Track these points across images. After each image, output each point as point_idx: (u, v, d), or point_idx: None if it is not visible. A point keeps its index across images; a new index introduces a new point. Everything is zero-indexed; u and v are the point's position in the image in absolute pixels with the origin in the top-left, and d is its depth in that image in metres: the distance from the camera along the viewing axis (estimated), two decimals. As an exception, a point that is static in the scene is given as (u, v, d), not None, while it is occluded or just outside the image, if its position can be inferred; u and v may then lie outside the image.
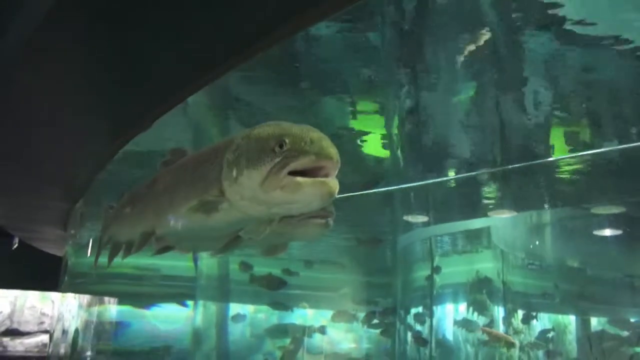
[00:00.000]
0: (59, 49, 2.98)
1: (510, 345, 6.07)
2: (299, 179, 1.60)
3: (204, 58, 2.96)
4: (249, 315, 7.34)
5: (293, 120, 1.78)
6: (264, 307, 7.38)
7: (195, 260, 6.32)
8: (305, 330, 6.94)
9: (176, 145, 2.93)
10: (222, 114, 4.56)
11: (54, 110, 3.77)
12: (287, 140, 1.62)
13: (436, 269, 7.19)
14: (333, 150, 1.61)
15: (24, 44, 2.98)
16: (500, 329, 6.67)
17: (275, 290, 6.48)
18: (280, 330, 7.12)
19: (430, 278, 7.20)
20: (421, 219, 6.87)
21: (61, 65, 3.18)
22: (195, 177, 2.01)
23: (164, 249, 2.36)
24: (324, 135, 1.66)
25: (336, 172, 1.64)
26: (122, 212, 2.89)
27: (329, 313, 7.04)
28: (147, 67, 3.13)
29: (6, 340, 11.37)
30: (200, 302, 6.84)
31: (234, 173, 1.74)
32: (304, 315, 7.32)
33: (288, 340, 6.90)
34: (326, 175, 1.61)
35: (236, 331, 7.12)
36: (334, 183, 1.61)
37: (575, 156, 5.01)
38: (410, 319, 7.43)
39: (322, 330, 6.92)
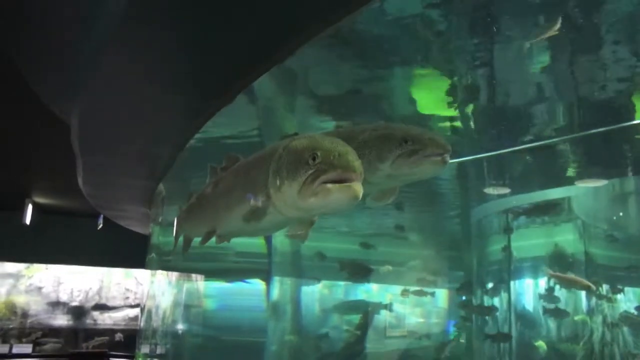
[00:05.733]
0: (143, 31, 3.07)
1: (587, 288, 5.76)
2: (329, 185, 1.82)
3: (281, 32, 2.98)
4: (317, 290, 7.44)
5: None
6: (330, 283, 7.44)
7: (268, 239, 6.44)
8: (373, 307, 6.92)
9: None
10: (290, 97, 4.62)
11: (138, 90, 3.89)
12: (318, 154, 1.85)
13: (508, 230, 6.93)
14: (357, 164, 1.85)
15: (112, 29, 3.08)
16: (584, 303, 6.40)
17: (360, 279, 6.47)
18: (348, 307, 7.14)
19: (507, 251, 6.99)
20: (501, 190, 6.65)
21: (146, 46, 3.27)
22: (246, 184, 2.25)
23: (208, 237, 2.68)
24: (350, 148, 1.90)
25: (360, 180, 1.86)
26: (190, 212, 3.26)
27: (397, 288, 7.00)
28: (228, 43, 3.18)
29: (96, 314, 12.16)
30: (276, 278, 6.97)
31: (278, 182, 1.98)
32: (369, 291, 7.31)
33: (355, 316, 6.91)
34: (351, 182, 1.83)
35: (306, 306, 7.22)
36: (358, 187, 1.83)
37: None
38: (486, 294, 7.25)
39: (389, 307, 6.88)
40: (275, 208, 2.05)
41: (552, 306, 6.49)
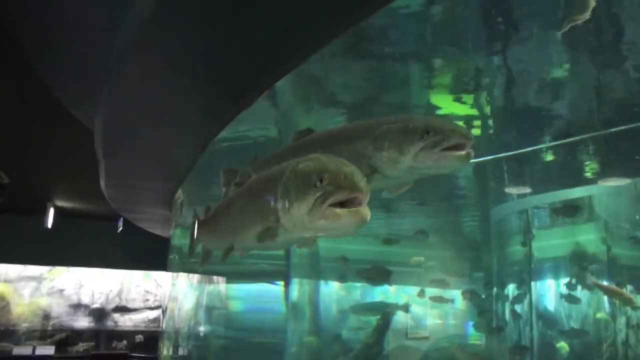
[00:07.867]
0: (166, 36, 3.11)
1: (629, 301, 5.67)
2: (338, 210, 1.87)
3: (302, 34, 2.99)
4: (335, 292, 7.42)
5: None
6: (347, 285, 7.42)
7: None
8: (391, 308, 6.87)
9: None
10: (306, 98, 4.61)
11: (161, 93, 3.93)
12: (325, 176, 1.89)
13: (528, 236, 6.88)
14: (363, 184, 1.88)
15: (136, 34, 3.11)
16: (606, 304, 6.31)
17: (380, 283, 6.43)
18: (367, 308, 7.10)
19: (528, 252, 6.91)
20: (522, 190, 6.57)
21: (169, 50, 3.30)
22: (257, 205, 2.31)
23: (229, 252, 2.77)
24: (355, 169, 1.93)
25: (367, 200, 1.89)
26: (208, 225, 3.30)
27: (412, 289, 6.96)
28: (249, 45, 3.19)
29: (117, 316, 12.30)
30: (295, 280, 6.96)
31: (286, 204, 2.03)
32: (386, 292, 7.26)
33: (373, 318, 6.86)
34: (359, 204, 1.87)
35: (324, 307, 7.21)
36: (366, 211, 1.88)
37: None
38: (507, 295, 7.18)
39: (405, 308, 6.84)
40: (285, 228, 2.11)
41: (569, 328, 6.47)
